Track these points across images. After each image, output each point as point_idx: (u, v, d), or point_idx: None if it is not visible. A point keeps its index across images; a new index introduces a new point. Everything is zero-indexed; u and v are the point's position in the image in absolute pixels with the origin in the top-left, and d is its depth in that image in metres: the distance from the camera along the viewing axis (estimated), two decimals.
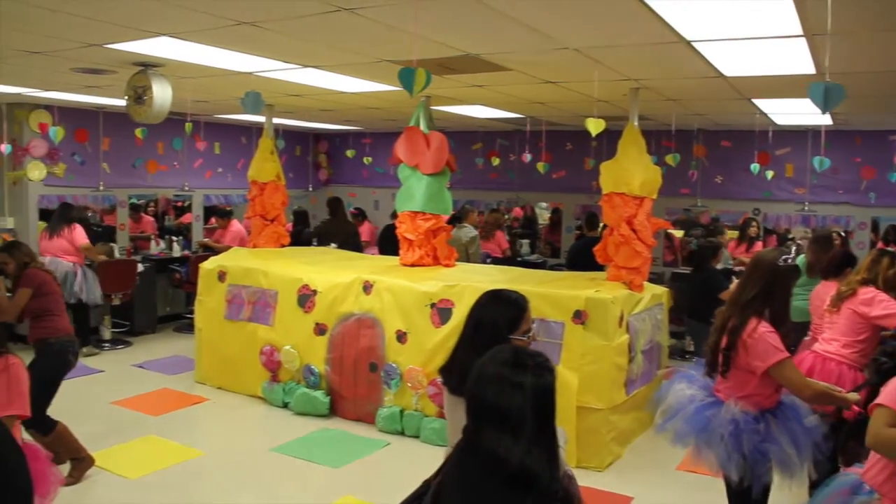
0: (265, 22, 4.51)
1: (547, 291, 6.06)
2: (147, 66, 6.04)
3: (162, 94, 5.97)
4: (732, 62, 5.47)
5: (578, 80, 6.41)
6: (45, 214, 9.54)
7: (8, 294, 5.54)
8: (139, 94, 6.03)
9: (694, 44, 4.84)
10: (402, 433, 6.51)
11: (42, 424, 5.13)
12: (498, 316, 2.98)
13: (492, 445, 1.93)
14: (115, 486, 5.42)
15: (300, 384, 7.09)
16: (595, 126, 6.30)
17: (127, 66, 6.11)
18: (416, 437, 6.41)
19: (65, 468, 5.28)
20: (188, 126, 8.31)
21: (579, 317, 5.85)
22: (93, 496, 5.27)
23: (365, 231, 12.14)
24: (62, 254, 8.68)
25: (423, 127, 7.22)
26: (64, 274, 8.42)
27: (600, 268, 6.88)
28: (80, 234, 8.83)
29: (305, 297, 7.08)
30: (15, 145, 9.23)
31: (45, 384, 5.14)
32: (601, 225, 8.77)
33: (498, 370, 1.99)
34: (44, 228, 8.96)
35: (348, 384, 6.86)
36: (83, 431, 5.67)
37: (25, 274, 5.47)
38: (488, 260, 9.98)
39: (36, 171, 9.50)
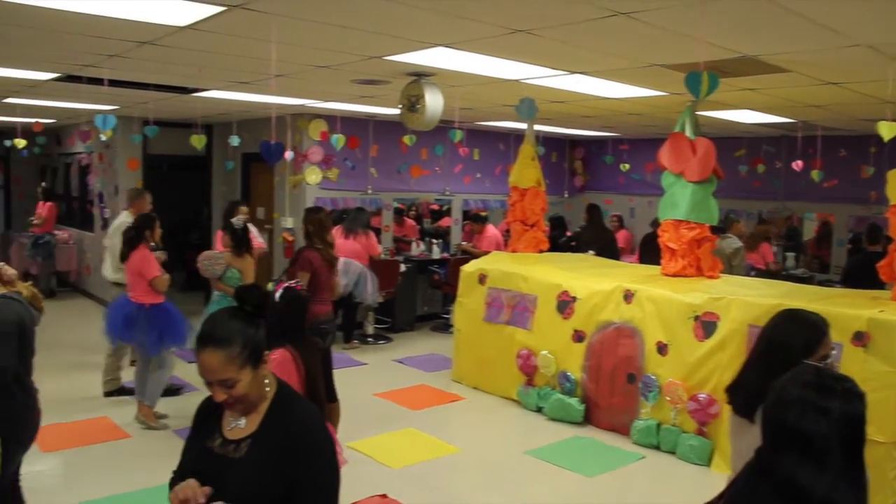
0: (539, 29, 4.55)
1: (822, 309, 5.58)
2: (420, 76, 6.30)
3: (434, 102, 6.21)
4: None
5: (868, 79, 5.90)
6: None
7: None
8: (412, 103, 6.31)
9: None
10: (657, 447, 6.32)
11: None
12: (793, 337, 2.77)
13: (791, 472, 1.80)
14: (378, 474, 5.71)
15: (555, 390, 7.09)
16: (889, 130, 5.75)
17: (401, 77, 6.41)
18: (673, 452, 6.20)
19: None
20: (458, 133, 8.58)
21: (860, 339, 5.36)
22: (358, 481, 5.56)
23: (621, 238, 11.96)
24: (354, 256, 9.22)
25: (688, 133, 6.96)
26: (357, 275, 8.97)
27: (880, 286, 6.27)
28: (375, 243, 9.45)
29: (565, 304, 7.08)
30: (296, 152, 10.01)
31: None
32: (885, 238, 8.01)
33: (801, 393, 1.85)
34: (339, 229, 9.39)
35: (604, 393, 6.77)
36: (350, 419, 6.01)
37: (303, 256, 5.91)
38: (752, 273, 9.45)
39: (313, 176, 10.25)
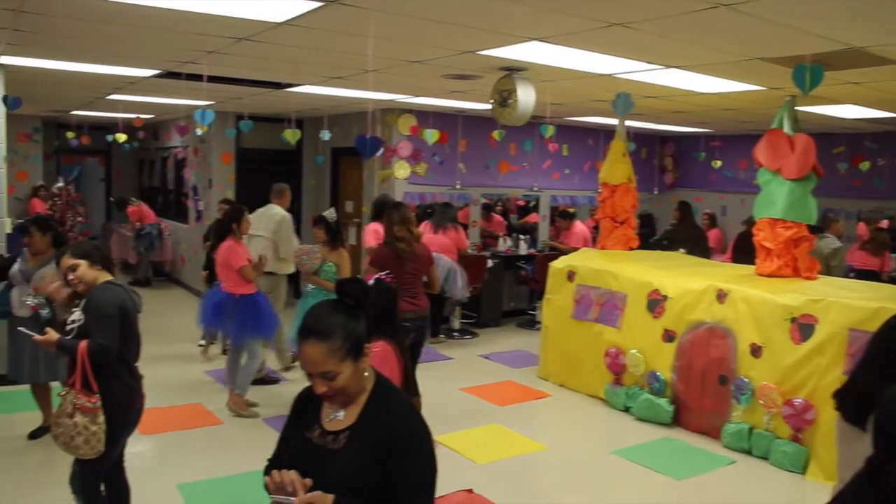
0: (636, 22, 4.47)
1: None
2: (512, 71, 6.27)
3: (526, 97, 6.17)
4: None
5: None
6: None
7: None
8: (504, 98, 6.28)
9: None
10: (749, 452, 6.14)
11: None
12: None
13: None
14: (464, 468, 5.71)
15: (644, 390, 6.98)
16: None
17: (493, 71, 6.39)
18: (765, 458, 6.02)
19: None
20: (550, 129, 8.52)
21: None
22: (444, 475, 5.54)
23: (712, 237, 11.69)
24: (443, 251, 9.19)
25: (786, 129, 6.75)
26: (446, 270, 9.00)
27: None
28: (464, 237, 9.48)
29: (655, 302, 6.96)
30: (385, 146, 10.10)
31: None
32: None
33: None
34: (428, 224, 9.43)
35: (694, 395, 6.63)
36: (436, 413, 6.02)
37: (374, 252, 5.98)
38: (851, 274, 9.12)
39: (402, 171, 10.33)
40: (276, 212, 8.33)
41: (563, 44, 5.18)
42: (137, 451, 5.61)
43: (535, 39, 5.08)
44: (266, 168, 12.85)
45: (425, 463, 2.19)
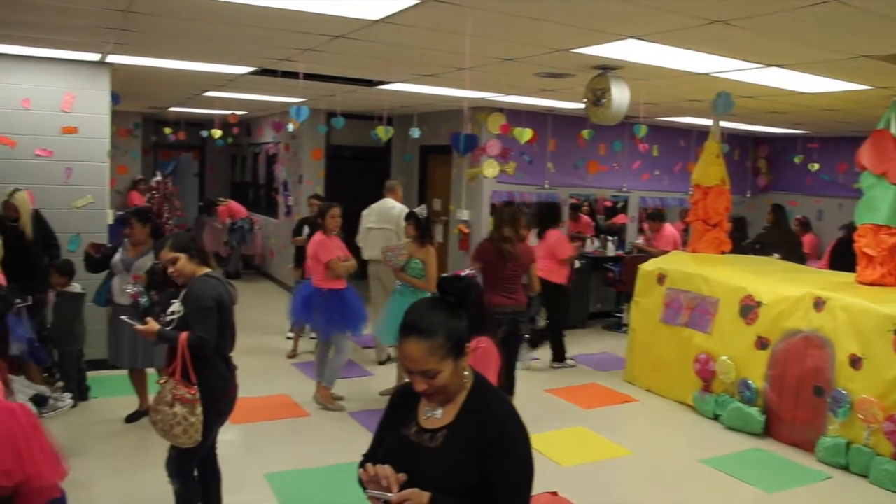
0: (738, 19, 4.34)
1: None
2: (607, 69, 6.18)
3: (620, 96, 6.06)
4: None
5: None
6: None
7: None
8: (598, 97, 6.19)
9: None
10: (846, 468, 5.90)
11: None
12: None
13: None
14: (548, 470, 5.64)
15: (734, 398, 6.79)
16: None
17: (586, 70, 6.30)
18: (864, 476, 5.76)
19: None
20: (643, 128, 8.37)
21: None
22: None
23: (806, 243, 11.31)
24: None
25: (894, 130, 6.47)
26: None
27: None
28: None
29: (748, 308, 6.76)
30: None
31: None
32: None
33: None
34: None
35: (788, 405, 6.41)
36: (522, 413, 5.96)
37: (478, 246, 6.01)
38: None
39: (490, 169, 10.30)
40: (392, 205, 8.84)
41: (661, 42, 5.07)
42: (227, 439, 5.72)
43: (631, 37, 4.99)
44: (354, 164, 13.02)
45: (523, 464, 2.17)
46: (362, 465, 2.24)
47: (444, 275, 2.56)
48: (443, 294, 2.22)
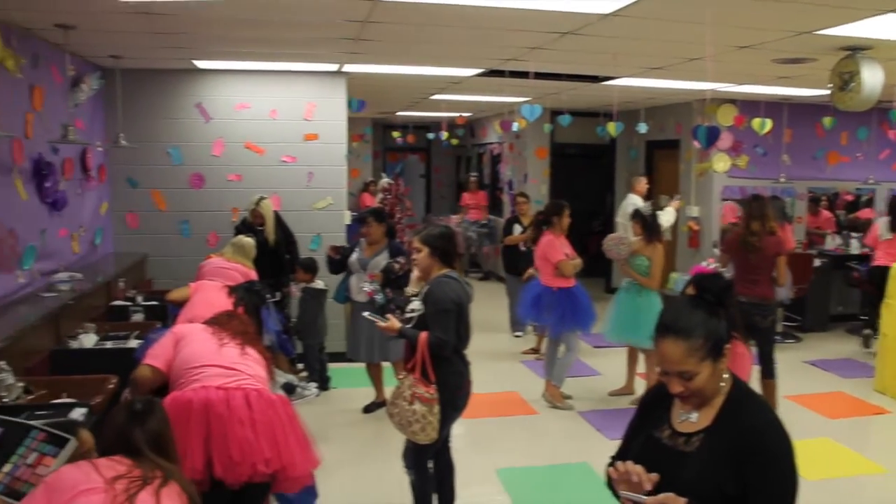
0: None
1: None
2: (856, 50, 5.70)
3: (871, 79, 5.56)
4: None
5: None
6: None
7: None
8: (845, 81, 5.73)
9: None
10: None
11: None
12: None
13: None
14: None
15: None
16: None
17: (831, 52, 5.85)
18: None
19: None
20: None
21: None
22: None
23: None
24: None
25: None
26: None
27: None
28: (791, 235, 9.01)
29: None
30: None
31: None
32: None
33: None
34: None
35: None
36: None
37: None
38: None
39: (721, 163, 9.84)
40: (631, 201, 9.07)
41: None
42: (458, 433, 5.80)
43: (889, 11, 4.56)
44: (578, 162, 12.95)
45: (786, 478, 2.04)
46: (612, 464, 2.20)
47: (702, 273, 2.46)
48: (701, 292, 2.12)
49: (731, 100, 9.78)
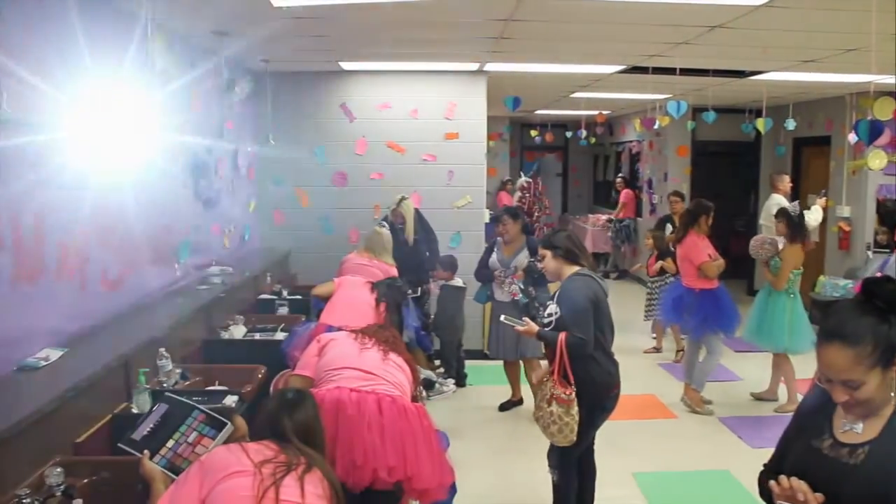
0: None
1: None
2: None
3: None
4: None
5: None
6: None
7: None
8: None
9: None
10: None
11: None
12: None
13: None
14: None
15: None
16: None
17: None
18: None
19: None
20: None
21: None
22: None
23: None
24: None
25: None
26: None
27: None
28: None
29: None
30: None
31: None
32: None
33: None
34: None
35: None
36: None
37: None
38: None
39: (877, 161, 9.27)
40: (775, 201, 8.63)
41: None
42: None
43: None
44: (720, 160, 12.55)
45: None
46: (766, 475, 2.11)
47: (873, 276, 2.32)
48: (869, 297, 1.97)
49: (889, 92, 9.21)
